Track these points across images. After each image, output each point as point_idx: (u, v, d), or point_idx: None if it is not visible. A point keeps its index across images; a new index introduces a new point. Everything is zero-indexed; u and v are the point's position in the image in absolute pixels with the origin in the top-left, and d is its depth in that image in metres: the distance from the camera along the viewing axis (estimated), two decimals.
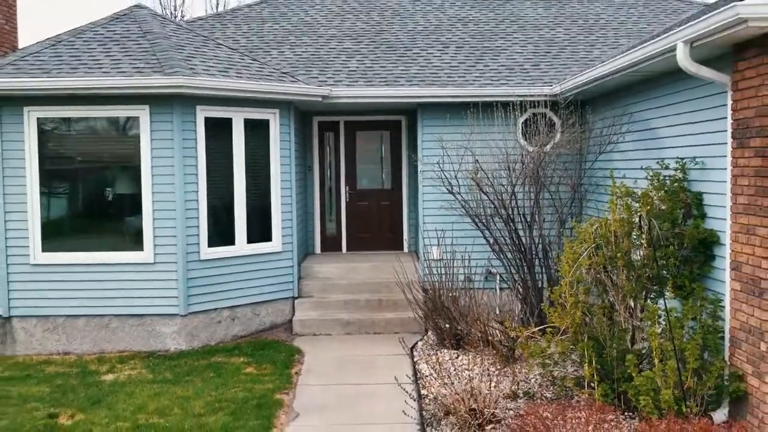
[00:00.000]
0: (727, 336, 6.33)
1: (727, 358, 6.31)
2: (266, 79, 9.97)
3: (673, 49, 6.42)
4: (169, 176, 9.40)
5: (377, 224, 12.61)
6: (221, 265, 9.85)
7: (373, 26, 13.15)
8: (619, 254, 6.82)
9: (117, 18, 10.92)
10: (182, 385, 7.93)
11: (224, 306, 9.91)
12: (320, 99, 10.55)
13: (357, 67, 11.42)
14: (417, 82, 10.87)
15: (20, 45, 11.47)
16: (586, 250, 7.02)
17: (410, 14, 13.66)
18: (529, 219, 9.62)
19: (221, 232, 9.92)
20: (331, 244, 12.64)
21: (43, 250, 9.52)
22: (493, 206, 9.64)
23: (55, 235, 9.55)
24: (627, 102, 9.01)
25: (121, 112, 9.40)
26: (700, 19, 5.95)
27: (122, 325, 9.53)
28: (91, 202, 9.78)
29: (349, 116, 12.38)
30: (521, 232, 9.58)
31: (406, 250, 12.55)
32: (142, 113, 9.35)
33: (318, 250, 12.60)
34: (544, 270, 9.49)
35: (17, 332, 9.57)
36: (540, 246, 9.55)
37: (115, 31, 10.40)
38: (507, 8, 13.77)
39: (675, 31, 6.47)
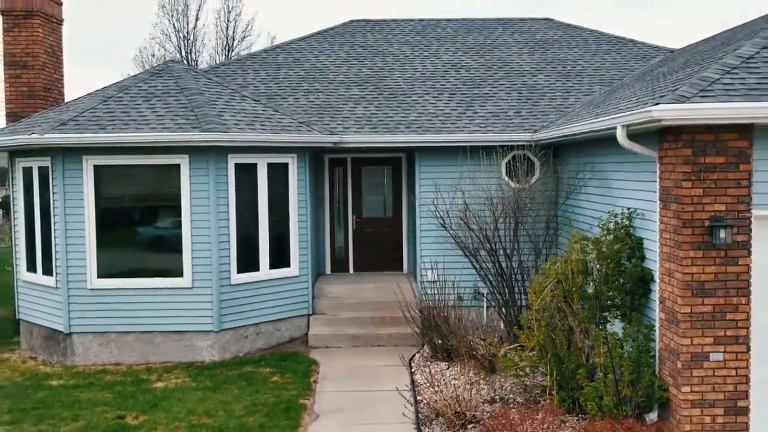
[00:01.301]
0: (657, 355, 8.06)
1: (657, 372, 8.04)
2: (286, 131, 11.71)
3: (614, 128, 8.15)
4: (205, 214, 11.14)
5: (380, 248, 14.34)
6: (248, 288, 11.60)
7: (377, 72, 14.88)
8: (574, 288, 8.56)
9: (156, 73, 12.65)
10: (221, 391, 9.66)
11: (250, 323, 11.65)
12: (332, 144, 12.31)
13: (363, 114, 13.16)
14: (415, 128, 12.61)
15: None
16: (549, 284, 8.76)
17: (409, 60, 15.40)
18: (509, 250, 11.36)
19: (248, 260, 11.65)
20: (339, 266, 14.37)
21: (98, 276, 11.27)
22: (478, 240, 11.38)
23: (108, 263, 11.29)
24: (590, 153, 10.74)
25: (164, 160, 11.14)
26: (632, 111, 7.69)
27: (165, 340, 11.27)
28: (139, 235, 11.52)
29: (355, 154, 14.09)
30: (503, 261, 11.32)
31: (405, 270, 14.28)
32: (183, 161, 11.10)
33: (328, 270, 14.33)
34: (522, 292, 11.23)
35: (76, 346, 11.32)
36: (519, 272, 11.30)
37: (156, 86, 12.13)
38: (495, 54, 15.49)
39: (615, 116, 8.21)
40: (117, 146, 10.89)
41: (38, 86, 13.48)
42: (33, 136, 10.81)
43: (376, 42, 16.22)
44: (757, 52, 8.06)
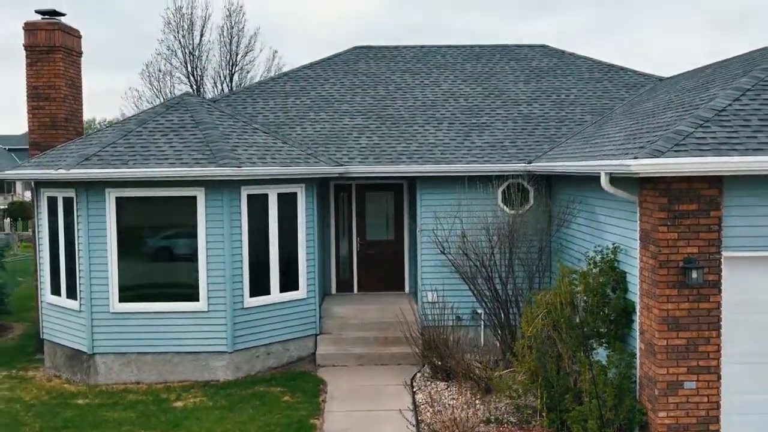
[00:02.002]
0: (637, 381, 8.82)
1: (637, 397, 8.80)
2: (295, 163, 12.48)
3: (599, 173, 8.90)
4: (219, 242, 11.90)
5: (383, 268, 15.10)
6: (259, 311, 12.36)
7: (379, 101, 15.65)
8: (562, 318, 9.32)
9: (171, 107, 13.42)
10: (237, 411, 10.43)
11: (261, 344, 12.42)
12: (338, 175, 13.08)
13: (367, 144, 13.92)
14: (416, 158, 13.37)
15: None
16: (540, 314, 9.53)
17: (410, 88, 16.16)
18: (504, 276, 12.12)
19: (259, 284, 12.41)
20: (344, 286, 15.13)
21: (120, 300, 12.04)
22: (475, 267, 12.14)
23: (129, 288, 12.05)
24: (580, 187, 11.49)
25: (182, 192, 11.90)
26: (614, 162, 8.46)
27: (182, 360, 12.04)
28: (158, 262, 12.29)
29: (360, 181, 14.84)
30: (498, 287, 12.09)
31: (406, 290, 15.04)
32: (199, 193, 11.87)
33: (334, 290, 15.10)
34: (517, 314, 11.98)
35: (99, 366, 12.09)
36: (514, 297, 12.06)
37: (172, 120, 12.90)
38: (492, 83, 16.25)
39: (600, 162, 8.98)
40: (138, 180, 11.64)
41: (60, 117, 14.24)
42: (60, 171, 11.58)
43: (379, 70, 16.98)
44: (729, 105, 8.81)
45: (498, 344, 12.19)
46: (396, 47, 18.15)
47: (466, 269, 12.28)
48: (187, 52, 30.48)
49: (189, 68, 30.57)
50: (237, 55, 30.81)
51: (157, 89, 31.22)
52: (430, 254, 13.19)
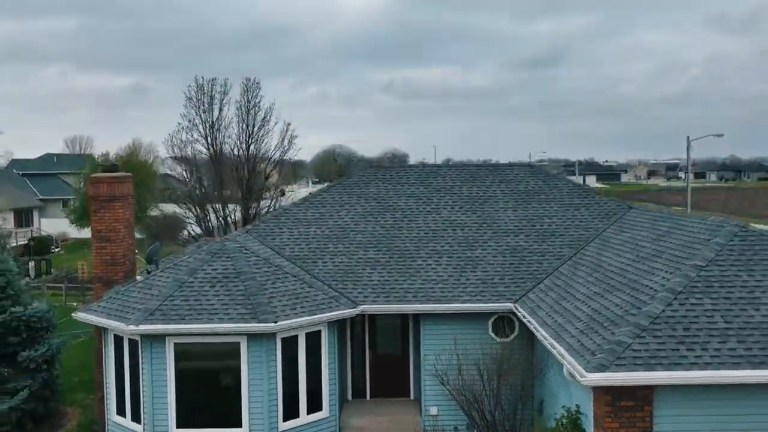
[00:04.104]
0: None
1: None
2: (320, 310, 15.11)
3: (562, 363, 11.49)
4: (258, 378, 14.53)
5: (391, 377, 17.74)
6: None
7: (388, 230, 18.27)
8: None
9: (215, 253, 16.04)
10: None
11: None
12: (354, 315, 15.74)
13: (378, 280, 16.55)
14: (420, 297, 16.01)
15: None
16: None
17: (414, 216, 18.79)
18: (492, 405, 14.76)
19: (291, 409, 15.03)
20: (359, 392, 17.77)
21: (177, 426, 14.67)
22: (468, 401, 14.78)
23: (185, 415, 14.68)
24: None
25: (228, 339, 14.52)
26: (571, 366, 11.06)
27: None
28: (208, 393, 14.92)
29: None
30: (488, 414, 14.72)
31: (411, 396, 17.67)
32: (242, 340, 14.51)
33: (350, 396, 17.74)
34: None
35: None
36: (502, 421, 14.69)
37: (217, 269, 15.53)
38: (486, 211, 18.88)
39: (561, 355, 11.58)
40: (193, 333, 14.29)
41: (119, 255, 16.89)
42: (131, 327, 14.22)
43: (387, 194, 19.59)
44: (662, 311, 11.44)
45: None
46: (402, 168, 20.79)
47: (462, 398, 14.92)
48: (207, 126, 33.18)
49: (209, 140, 33.29)
50: (254, 127, 33.50)
51: (179, 156, 33.88)
52: (432, 381, 15.82)
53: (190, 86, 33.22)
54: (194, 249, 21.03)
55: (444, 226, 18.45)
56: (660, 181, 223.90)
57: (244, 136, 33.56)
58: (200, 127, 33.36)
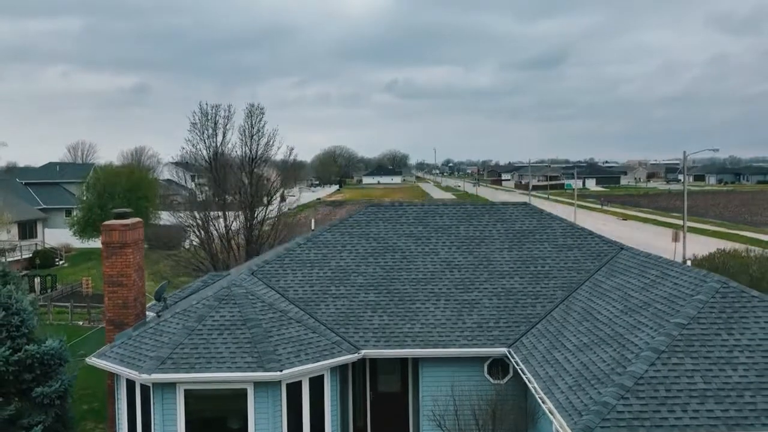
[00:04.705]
0: None
1: None
2: (323, 357, 15.85)
3: (551, 420, 12.23)
4: (264, 422, 15.24)
5: (391, 414, 18.46)
6: None
7: (388, 272, 19.00)
8: None
9: (223, 299, 16.77)
10: None
11: None
12: (356, 360, 16.47)
13: (379, 324, 17.28)
14: (418, 341, 16.74)
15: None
16: None
17: (413, 256, 19.52)
18: None
19: None
20: (360, 429, 18.51)
21: None
22: None
23: None
24: None
25: (236, 386, 15.26)
26: (560, 426, 11.79)
27: None
28: None
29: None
30: None
31: (410, 431, 18.42)
32: (249, 387, 15.24)
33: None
34: None
35: None
36: None
37: (224, 316, 16.26)
38: (481, 252, 19.61)
39: (551, 412, 12.31)
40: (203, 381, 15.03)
41: (130, 299, 17.62)
42: (143, 376, 14.96)
43: (387, 234, 20.32)
44: (646, 371, 12.18)
45: None
46: (401, 205, 21.53)
47: None
48: (211, 152, 33.94)
49: (214, 164, 34.05)
50: (257, 153, 34.32)
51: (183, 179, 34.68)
52: (429, 426, 16.57)
53: (194, 112, 34.05)
54: (201, 285, 21.82)
55: (442, 267, 19.18)
56: (659, 184, 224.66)
57: (247, 160, 34.31)
58: (204, 152, 34.19)
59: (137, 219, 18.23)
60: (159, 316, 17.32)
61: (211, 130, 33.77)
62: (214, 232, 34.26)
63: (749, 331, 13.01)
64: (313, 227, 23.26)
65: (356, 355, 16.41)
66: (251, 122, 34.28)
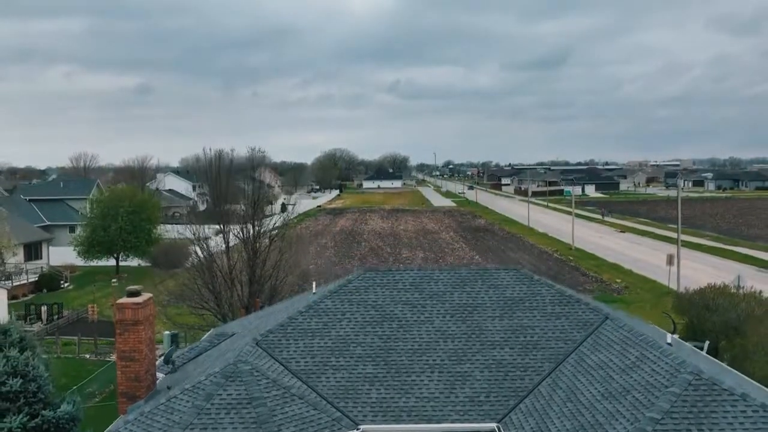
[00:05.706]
0: None
1: None
2: None
3: None
4: None
5: None
6: None
7: (385, 341, 20.07)
8: None
9: (229, 377, 17.84)
10: None
11: None
12: None
13: (376, 398, 18.35)
14: (413, 416, 17.81)
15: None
16: None
17: (409, 325, 20.58)
18: None
19: None
20: None
21: None
22: None
23: None
24: None
25: None
26: None
27: None
28: None
29: None
30: None
31: None
32: None
33: None
34: None
35: None
36: None
37: (231, 394, 17.32)
38: (474, 320, 20.68)
39: None
40: None
41: (142, 372, 18.70)
42: None
43: (384, 302, 21.38)
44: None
45: None
46: (398, 270, 22.59)
47: None
48: (215, 197, 35.05)
49: (217, 209, 35.20)
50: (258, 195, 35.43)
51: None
52: None
53: (199, 159, 35.16)
54: (207, 345, 22.95)
55: (436, 337, 20.24)
56: (659, 189, 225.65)
57: (249, 202, 35.45)
58: (206, 188, 35.23)
59: (148, 295, 19.29)
60: (169, 389, 18.39)
61: (213, 177, 34.87)
62: (218, 273, 35.34)
63: (717, 427, 14.07)
64: (314, 290, 24.29)
65: (355, 431, 17.48)
66: (252, 164, 35.37)
